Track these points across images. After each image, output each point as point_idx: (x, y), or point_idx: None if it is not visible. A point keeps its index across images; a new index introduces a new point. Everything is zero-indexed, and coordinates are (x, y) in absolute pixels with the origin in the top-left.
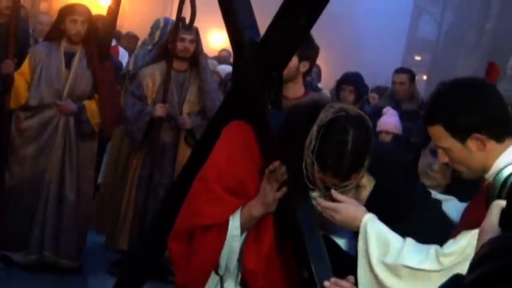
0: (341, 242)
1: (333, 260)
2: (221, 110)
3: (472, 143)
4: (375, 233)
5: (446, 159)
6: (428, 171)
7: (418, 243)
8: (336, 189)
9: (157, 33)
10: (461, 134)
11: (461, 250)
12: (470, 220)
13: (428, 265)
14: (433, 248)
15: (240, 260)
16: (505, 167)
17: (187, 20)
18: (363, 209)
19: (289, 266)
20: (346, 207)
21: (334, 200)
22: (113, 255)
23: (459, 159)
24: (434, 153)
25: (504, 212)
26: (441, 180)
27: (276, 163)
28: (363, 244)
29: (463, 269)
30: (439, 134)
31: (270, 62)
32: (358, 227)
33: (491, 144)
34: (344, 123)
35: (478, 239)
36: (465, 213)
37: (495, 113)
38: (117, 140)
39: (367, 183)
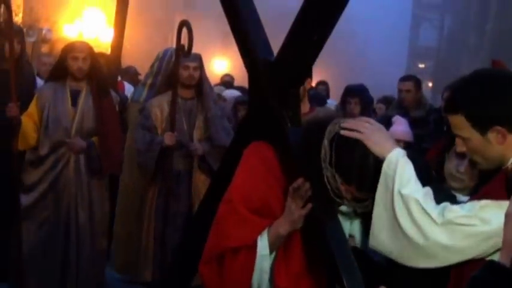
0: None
1: (363, 269)
2: (239, 132)
3: (492, 135)
4: (404, 166)
5: (464, 149)
6: (454, 173)
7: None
8: (365, 200)
9: (156, 64)
10: (482, 126)
11: (466, 212)
12: (480, 194)
13: (435, 215)
14: (443, 204)
15: (271, 279)
16: None
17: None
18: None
19: (320, 282)
20: (384, 132)
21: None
22: None
23: (477, 150)
24: (459, 155)
25: None
26: (468, 182)
27: (300, 180)
28: (390, 170)
29: (467, 234)
30: (460, 123)
31: (286, 80)
32: (386, 149)
33: (511, 138)
34: None
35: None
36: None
37: None
38: (127, 177)
39: None
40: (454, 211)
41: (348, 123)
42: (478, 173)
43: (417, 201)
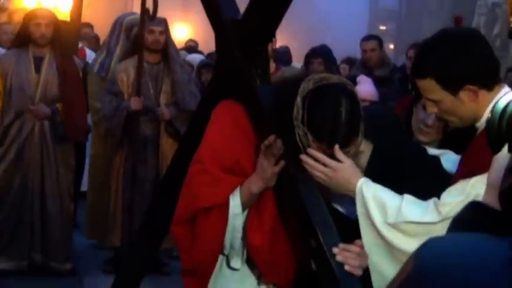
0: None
1: (337, 227)
2: (208, 92)
3: (464, 94)
4: (372, 195)
5: (434, 110)
6: (422, 127)
7: (416, 199)
8: (334, 157)
9: (117, 29)
10: (453, 86)
11: (460, 197)
12: (466, 169)
13: (429, 217)
14: (431, 201)
15: (244, 238)
16: None
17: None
18: (359, 172)
19: (293, 239)
20: (344, 168)
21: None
22: (104, 254)
23: (450, 110)
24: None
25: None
26: (435, 136)
27: (271, 137)
28: (362, 208)
29: None
30: (430, 86)
31: (253, 38)
32: (351, 191)
33: (483, 94)
34: (332, 92)
35: (491, 169)
36: (460, 164)
37: (486, 63)
38: (94, 142)
39: (365, 148)
40: (447, 204)
41: (309, 168)
42: (445, 125)
43: (406, 222)
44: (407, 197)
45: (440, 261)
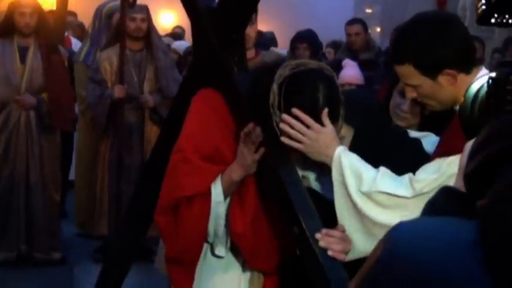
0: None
1: (317, 209)
2: (186, 81)
3: (443, 79)
4: (349, 163)
5: (414, 95)
6: (398, 111)
7: (392, 173)
8: None
9: (97, 20)
10: (432, 71)
11: (434, 175)
12: (443, 150)
13: (402, 191)
14: (406, 176)
15: (227, 225)
16: None
17: None
18: (338, 140)
19: (276, 225)
20: (327, 132)
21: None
22: (93, 243)
23: (429, 94)
24: (402, 94)
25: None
26: (412, 120)
27: (250, 125)
28: (338, 175)
29: None
30: (409, 72)
31: (229, 26)
32: (329, 157)
33: (461, 77)
34: (309, 78)
35: (462, 154)
36: (438, 145)
37: (463, 46)
38: (81, 131)
39: (346, 133)
40: (421, 180)
41: (288, 127)
42: (422, 109)
43: (380, 192)
44: (384, 169)
45: (409, 244)
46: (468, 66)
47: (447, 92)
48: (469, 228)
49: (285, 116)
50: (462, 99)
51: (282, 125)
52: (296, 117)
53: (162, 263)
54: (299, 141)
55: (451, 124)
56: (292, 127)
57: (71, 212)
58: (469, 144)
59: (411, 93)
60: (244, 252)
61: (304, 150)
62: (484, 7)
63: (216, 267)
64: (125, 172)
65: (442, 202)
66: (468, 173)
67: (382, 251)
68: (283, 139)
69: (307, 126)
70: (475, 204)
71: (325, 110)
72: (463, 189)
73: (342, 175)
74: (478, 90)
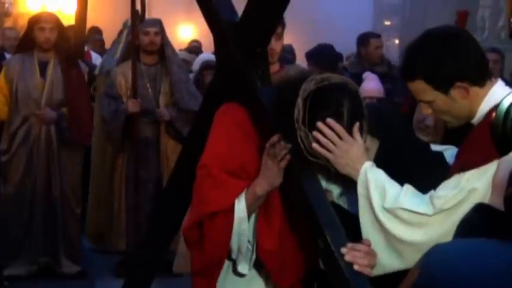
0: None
1: (342, 224)
2: (209, 95)
3: (455, 92)
4: (375, 178)
5: (429, 111)
6: (422, 125)
7: (416, 190)
8: None
9: (125, 32)
10: (444, 86)
11: (454, 191)
12: (461, 164)
13: (423, 208)
14: (429, 193)
15: (253, 241)
16: (496, 105)
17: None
18: (366, 155)
19: (303, 240)
20: (358, 145)
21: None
22: (112, 258)
23: (444, 109)
24: None
25: None
26: (436, 135)
27: (275, 137)
28: (363, 190)
29: (463, 211)
30: (421, 88)
31: (252, 39)
32: (356, 170)
33: (475, 90)
34: (333, 92)
35: (498, 170)
36: (456, 158)
37: (474, 59)
38: (98, 146)
39: (372, 145)
40: (441, 197)
41: (320, 136)
42: (445, 124)
43: (403, 208)
44: (408, 187)
45: (445, 269)
46: (481, 79)
47: (462, 106)
48: (508, 251)
49: (319, 124)
50: (477, 112)
51: (315, 133)
52: (330, 127)
53: (181, 266)
54: (329, 151)
55: (468, 137)
56: (325, 136)
57: None
58: (504, 160)
59: (427, 110)
60: (271, 269)
61: (332, 160)
62: None
63: (239, 282)
64: (141, 186)
65: (478, 221)
66: (507, 196)
67: (419, 275)
68: (314, 146)
69: (340, 138)
70: None
71: (357, 124)
72: (498, 206)
73: (367, 190)
74: (510, 106)
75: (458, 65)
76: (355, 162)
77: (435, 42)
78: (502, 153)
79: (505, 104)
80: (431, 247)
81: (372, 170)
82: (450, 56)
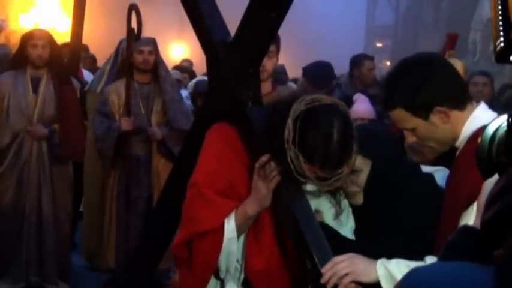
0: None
1: (334, 246)
2: (200, 115)
3: (435, 117)
4: (397, 266)
5: (414, 139)
6: (415, 146)
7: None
8: (328, 179)
9: (114, 52)
10: (422, 111)
11: None
12: (453, 196)
13: None
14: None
15: (241, 261)
16: (478, 128)
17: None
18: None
19: (291, 260)
20: (354, 254)
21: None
22: (100, 276)
23: (427, 136)
24: None
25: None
26: (428, 155)
27: (265, 158)
28: (390, 284)
29: None
30: (401, 116)
31: (245, 60)
32: (373, 270)
33: (455, 114)
34: (323, 113)
35: (481, 193)
36: (447, 186)
37: (451, 83)
38: (90, 164)
39: (364, 166)
40: None
41: (326, 272)
42: None
43: None
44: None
45: None
46: (460, 103)
47: (444, 131)
48: (487, 275)
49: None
50: (460, 135)
51: (325, 277)
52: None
53: None
54: (346, 274)
55: (454, 165)
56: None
57: (80, 243)
58: (487, 183)
59: (411, 138)
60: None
61: (356, 279)
62: (502, 45)
63: None
64: (132, 204)
65: (460, 244)
66: (485, 221)
67: None
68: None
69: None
70: (493, 249)
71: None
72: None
73: (395, 279)
74: (496, 130)
75: (434, 89)
76: (368, 265)
77: (410, 70)
78: (486, 177)
79: (490, 129)
80: (409, 270)
81: (389, 262)
82: (425, 82)
